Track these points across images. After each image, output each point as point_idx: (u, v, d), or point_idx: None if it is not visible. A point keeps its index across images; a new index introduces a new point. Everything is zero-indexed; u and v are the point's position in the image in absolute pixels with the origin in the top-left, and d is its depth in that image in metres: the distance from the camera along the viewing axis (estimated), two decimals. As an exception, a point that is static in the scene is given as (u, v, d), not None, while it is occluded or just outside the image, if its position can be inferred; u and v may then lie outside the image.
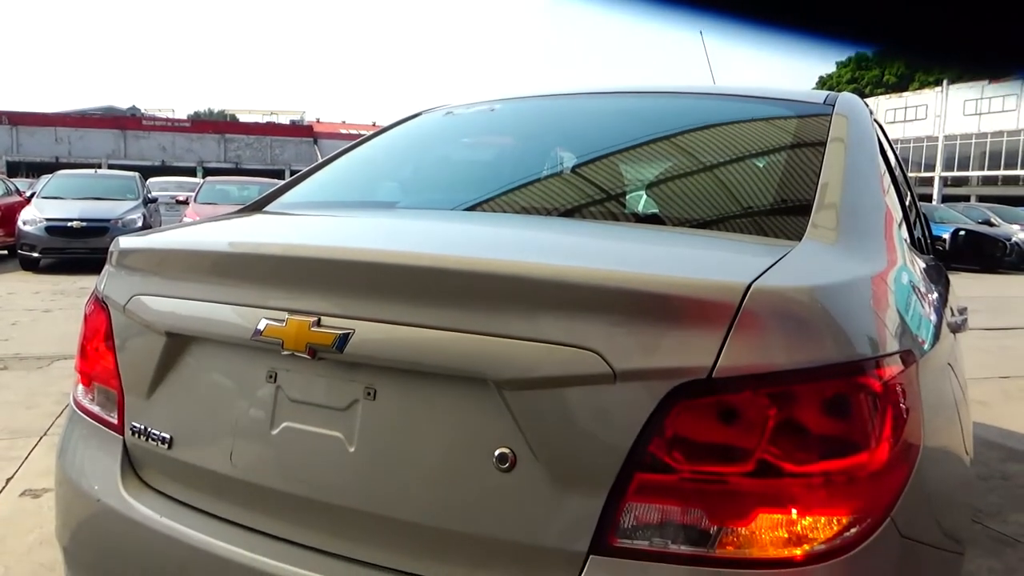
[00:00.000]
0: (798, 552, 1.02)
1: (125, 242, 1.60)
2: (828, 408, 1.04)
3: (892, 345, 1.17)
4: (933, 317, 1.56)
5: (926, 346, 1.37)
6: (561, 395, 1.08)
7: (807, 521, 1.03)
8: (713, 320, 1.03)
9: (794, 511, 1.03)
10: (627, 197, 1.88)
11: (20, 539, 2.76)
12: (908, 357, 1.19)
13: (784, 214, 1.57)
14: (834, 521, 1.03)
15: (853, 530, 1.04)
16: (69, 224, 11.28)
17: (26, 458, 3.56)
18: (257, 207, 2.02)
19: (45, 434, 3.89)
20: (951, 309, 2.02)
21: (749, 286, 1.04)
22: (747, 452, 1.03)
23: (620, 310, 1.07)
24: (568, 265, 1.15)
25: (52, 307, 8.06)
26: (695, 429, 1.04)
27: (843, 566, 1.02)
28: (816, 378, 1.03)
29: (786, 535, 1.02)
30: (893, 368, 1.12)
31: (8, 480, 3.30)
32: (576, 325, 1.07)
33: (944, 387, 1.45)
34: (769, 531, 1.03)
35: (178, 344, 1.43)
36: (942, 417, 1.37)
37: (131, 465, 1.49)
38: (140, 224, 11.62)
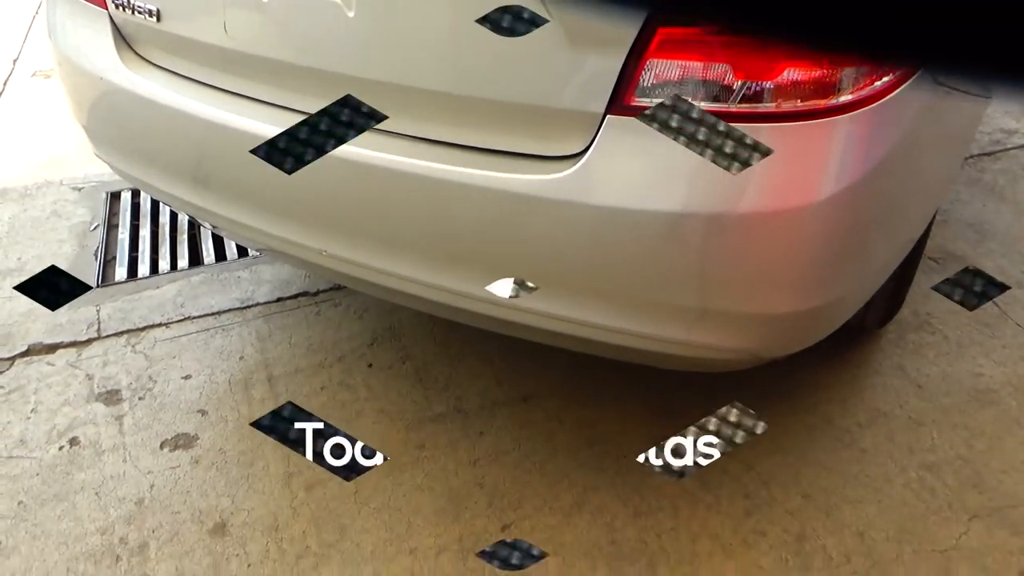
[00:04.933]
0: (822, 103, 0.99)
1: None
2: None
3: None
4: None
5: None
6: None
7: (837, 73, 0.97)
8: None
9: (825, 63, 0.97)
10: None
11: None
12: None
13: None
14: (865, 72, 0.98)
15: (885, 79, 0.99)
16: None
17: (25, 39, 3.46)
18: None
19: (36, 14, 3.72)
20: None
21: None
22: None
23: None
24: None
25: None
26: None
27: (868, 115, 1.00)
28: None
29: (813, 87, 0.98)
30: None
31: (14, 61, 3.26)
32: None
33: None
34: (795, 84, 0.98)
35: None
36: None
37: (125, 41, 1.42)
38: None
